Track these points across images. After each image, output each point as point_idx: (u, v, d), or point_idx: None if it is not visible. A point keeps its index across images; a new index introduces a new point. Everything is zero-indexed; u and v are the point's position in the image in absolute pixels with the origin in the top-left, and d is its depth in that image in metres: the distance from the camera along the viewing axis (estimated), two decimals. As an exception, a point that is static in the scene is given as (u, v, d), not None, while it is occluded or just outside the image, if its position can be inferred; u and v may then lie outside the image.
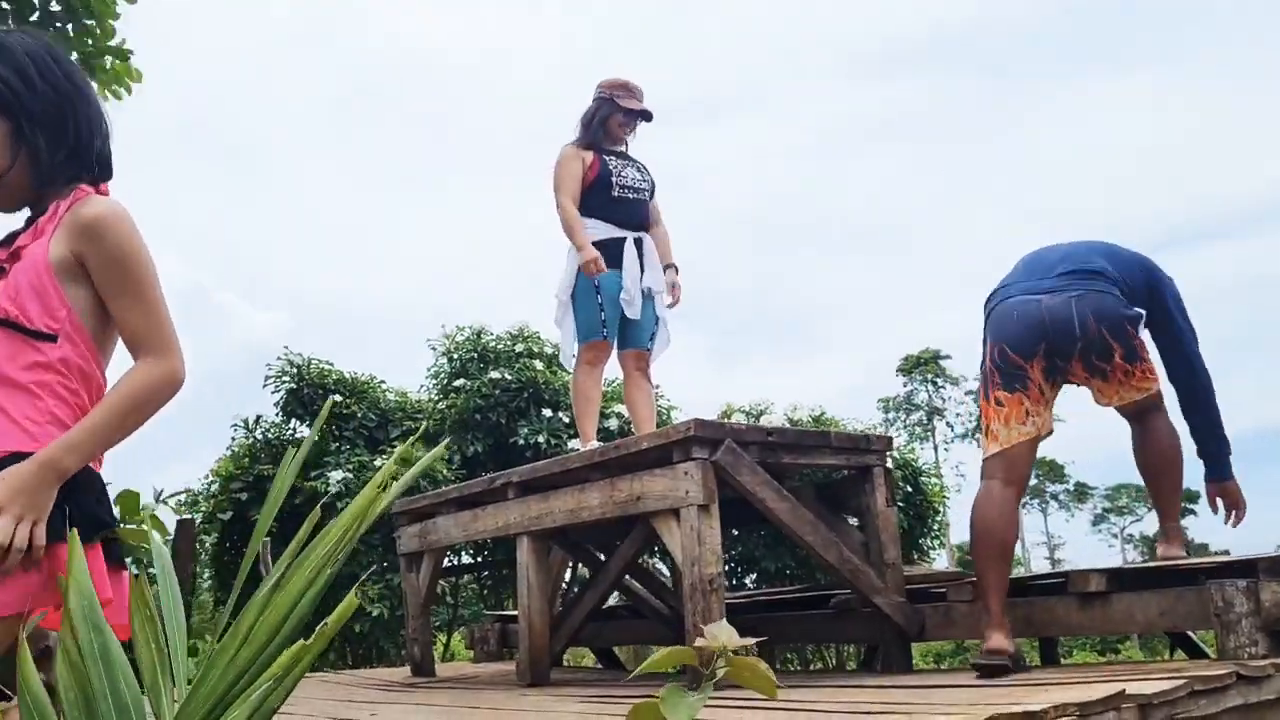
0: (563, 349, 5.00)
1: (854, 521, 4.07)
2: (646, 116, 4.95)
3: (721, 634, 0.94)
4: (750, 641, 0.95)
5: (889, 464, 4.00)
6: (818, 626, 4.41)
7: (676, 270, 5.02)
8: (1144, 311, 3.49)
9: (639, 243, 4.80)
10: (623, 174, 4.84)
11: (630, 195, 4.85)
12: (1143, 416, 3.57)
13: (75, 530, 1.42)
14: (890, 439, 4.07)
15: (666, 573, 7.63)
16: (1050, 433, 3.49)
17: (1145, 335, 3.53)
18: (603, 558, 4.87)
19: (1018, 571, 3.75)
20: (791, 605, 4.66)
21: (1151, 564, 3.41)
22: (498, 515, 4.44)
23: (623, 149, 5.00)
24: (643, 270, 4.79)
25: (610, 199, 4.78)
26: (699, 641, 0.95)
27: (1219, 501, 3.71)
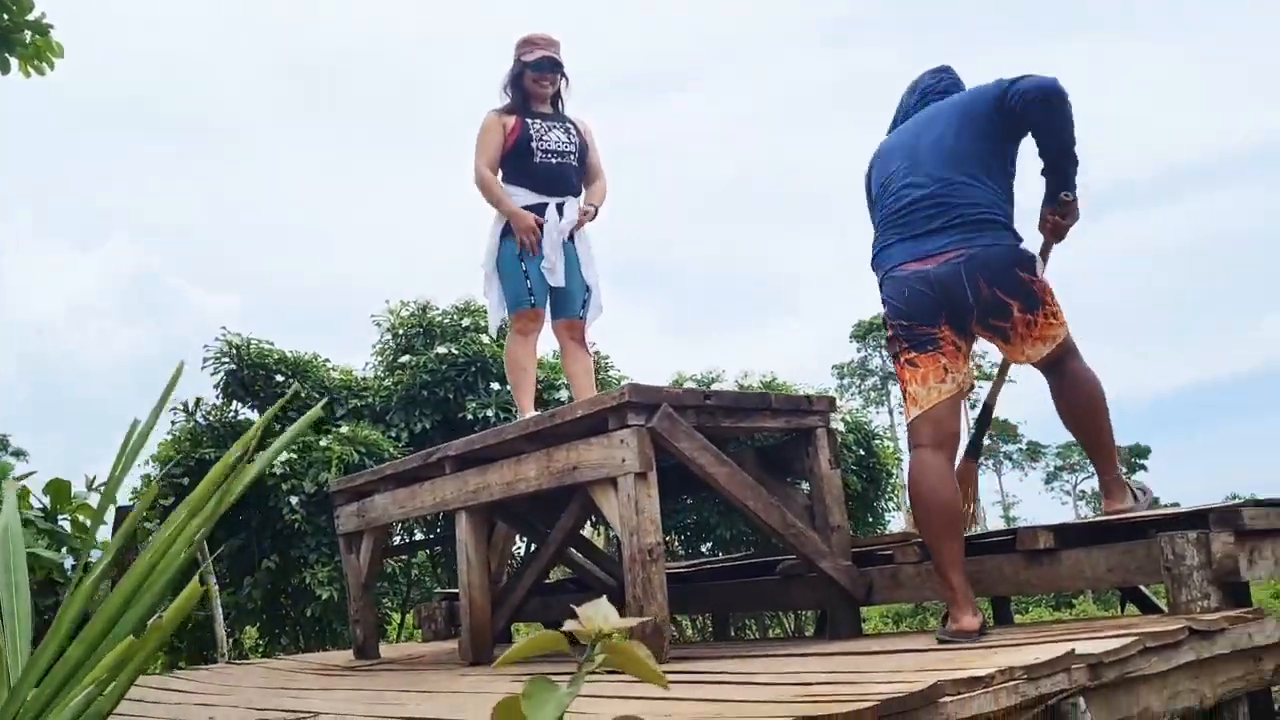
0: (490, 320, 4.82)
1: (805, 487, 3.97)
2: (549, 64, 4.66)
3: (597, 615, 0.80)
4: (633, 622, 0.81)
5: (833, 425, 3.89)
6: (766, 593, 4.31)
7: (595, 209, 4.74)
8: (1034, 255, 3.26)
9: (561, 208, 4.61)
10: (545, 137, 4.61)
11: (554, 160, 4.61)
12: (1057, 366, 3.36)
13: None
14: (833, 399, 3.96)
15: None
16: (972, 388, 3.38)
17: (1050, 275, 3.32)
18: (548, 530, 4.74)
19: (971, 531, 3.64)
20: (738, 573, 4.56)
21: (1100, 519, 3.32)
22: (435, 491, 4.29)
23: (549, 109, 4.78)
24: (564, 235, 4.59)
25: (531, 164, 4.55)
26: (568, 624, 0.81)
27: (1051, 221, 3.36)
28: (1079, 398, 3.37)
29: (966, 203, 3.19)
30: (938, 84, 3.55)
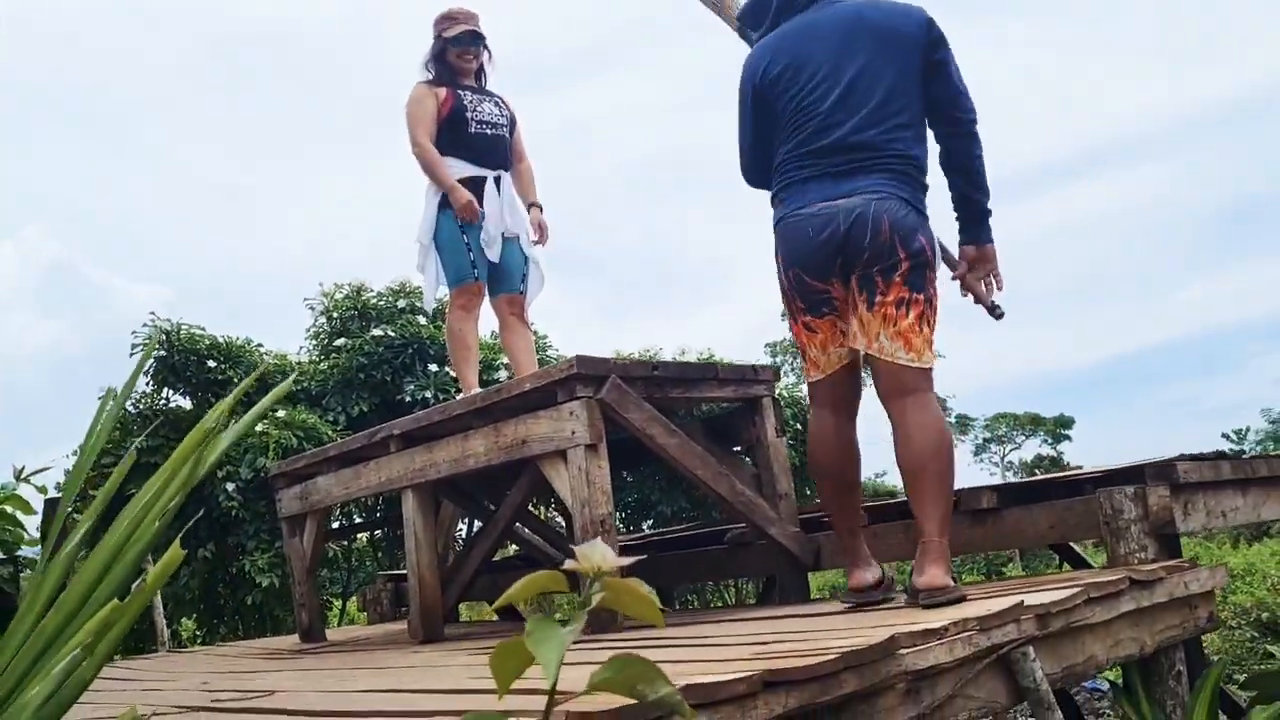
0: (426, 295, 4.77)
1: (748, 460, 4.01)
2: (471, 38, 4.62)
3: (595, 554, 0.81)
4: (629, 561, 0.83)
5: (776, 395, 3.93)
6: (714, 562, 4.36)
7: (540, 209, 4.77)
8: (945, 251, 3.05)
9: (498, 181, 4.58)
10: (479, 108, 4.58)
11: (488, 131, 4.59)
12: (897, 402, 2.90)
13: None
14: (777, 369, 4.01)
15: (563, 523, 7.54)
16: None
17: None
18: (494, 508, 4.74)
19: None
20: (687, 544, 4.60)
21: (1040, 478, 3.41)
22: (380, 470, 4.26)
23: (475, 84, 4.73)
24: (503, 210, 4.58)
25: (467, 135, 4.52)
26: (568, 564, 0.82)
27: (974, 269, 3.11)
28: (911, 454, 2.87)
29: (900, 155, 2.91)
30: None
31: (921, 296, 2.88)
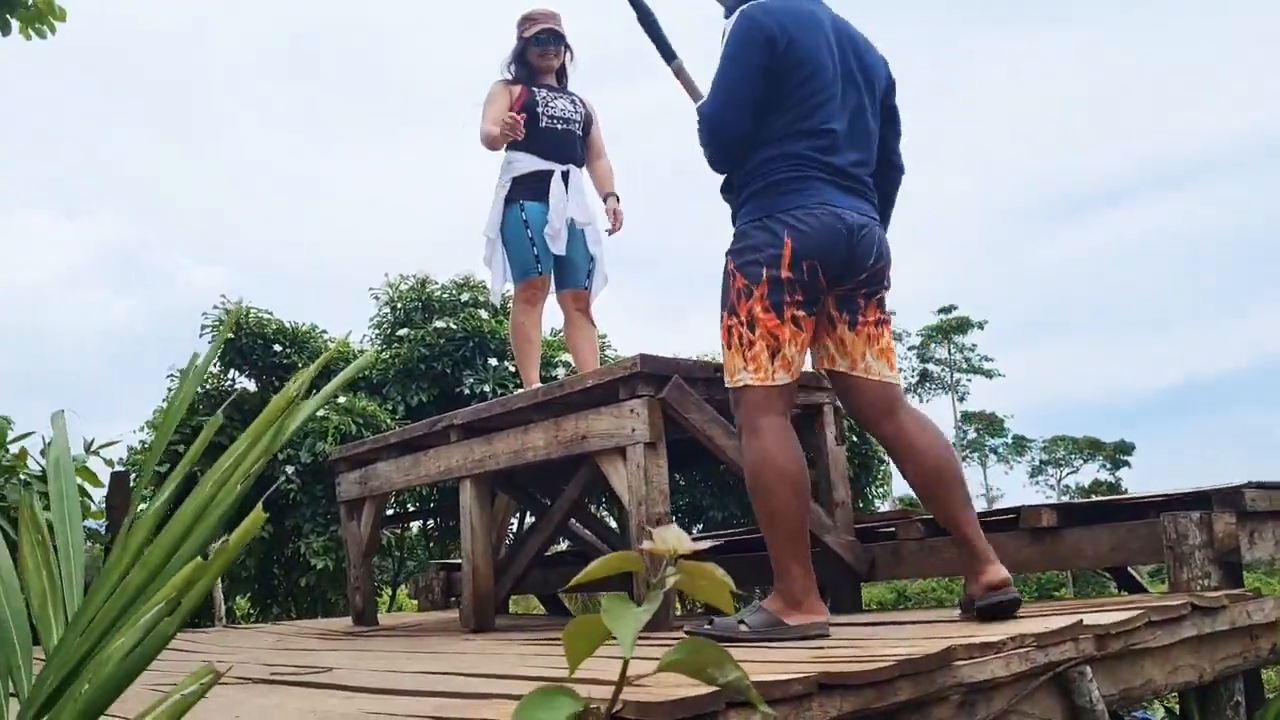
0: (492, 288, 4.82)
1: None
2: (551, 37, 4.67)
3: (670, 537, 0.83)
4: (705, 545, 0.84)
5: (838, 404, 3.92)
6: (766, 569, 4.33)
7: (617, 199, 4.79)
8: None
9: (566, 175, 4.60)
10: (551, 104, 4.62)
11: (559, 126, 4.63)
12: (892, 418, 2.90)
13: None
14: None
15: (614, 524, 7.56)
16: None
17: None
18: (549, 502, 4.77)
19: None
20: (739, 548, 4.59)
21: (1102, 499, 3.37)
22: (440, 459, 4.31)
23: (554, 83, 4.78)
24: (570, 203, 4.60)
25: (537, 130, 4.55)
26: (645, 545, 0.84)
27: None
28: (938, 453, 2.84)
29: (873, 188, 2.96)
30: None
31: (888, 317, 2.96)
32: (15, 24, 6.12)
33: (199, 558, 1.05)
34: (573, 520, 4.71)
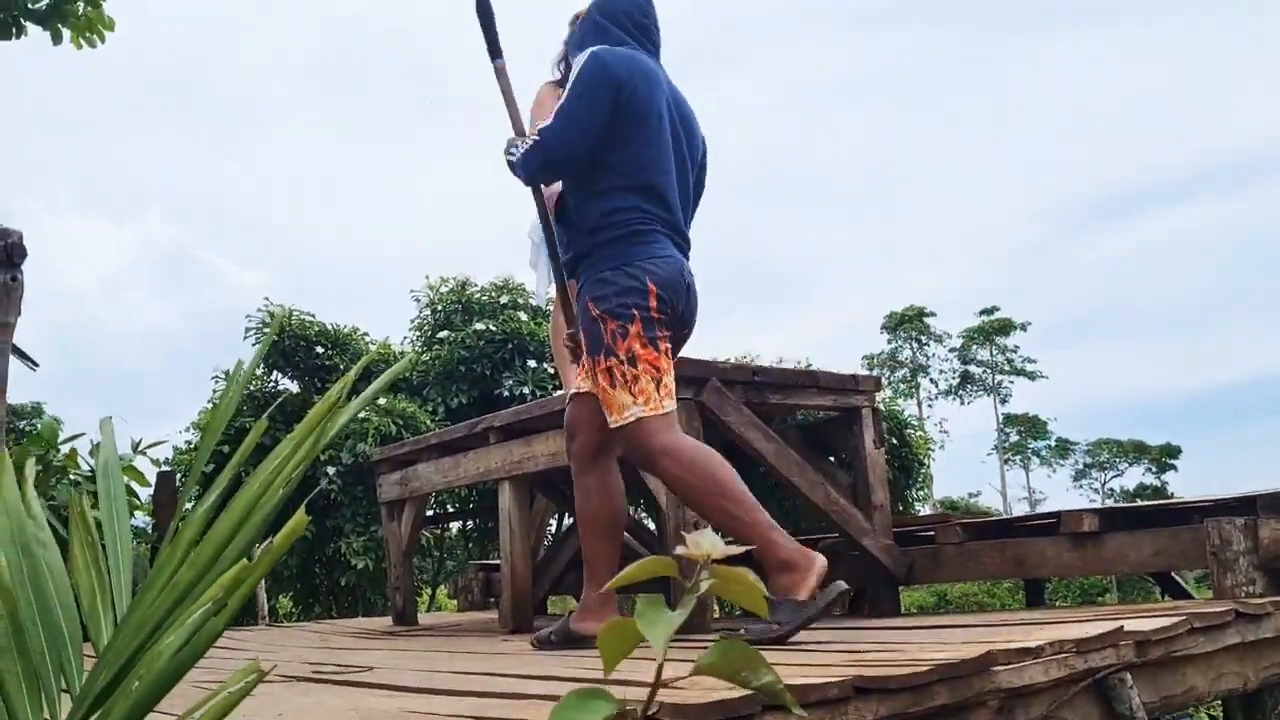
0: (537, 290, 4.85)
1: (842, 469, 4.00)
2: None
3: (705, 541, 0.84)
4: (738, 550, 0.85)
5: (877, 406, 3.91)
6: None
7: None
8: None
9: None
10: None
11: None
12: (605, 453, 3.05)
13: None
14: (879, 379, 3.99)
15: (652, 527, 7.57)
16: None
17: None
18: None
19: (996, 512, 3.66)
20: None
21: (1145, 504, 3.33)
22: (479, 460, 4.34)
23: None
24: None
25: None
26: (679, 550, 0.85)
27: None
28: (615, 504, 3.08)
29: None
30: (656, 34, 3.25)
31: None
32: (66, 34, 6.24)
33: (245, 559, 1.08)
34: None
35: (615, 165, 2.94)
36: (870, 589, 3.92)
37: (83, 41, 6.31)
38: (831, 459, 4.03)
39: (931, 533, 3.76)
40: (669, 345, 2.95)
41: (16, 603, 1.18)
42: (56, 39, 6.21)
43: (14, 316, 1.97)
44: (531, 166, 3.00)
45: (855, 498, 3.77)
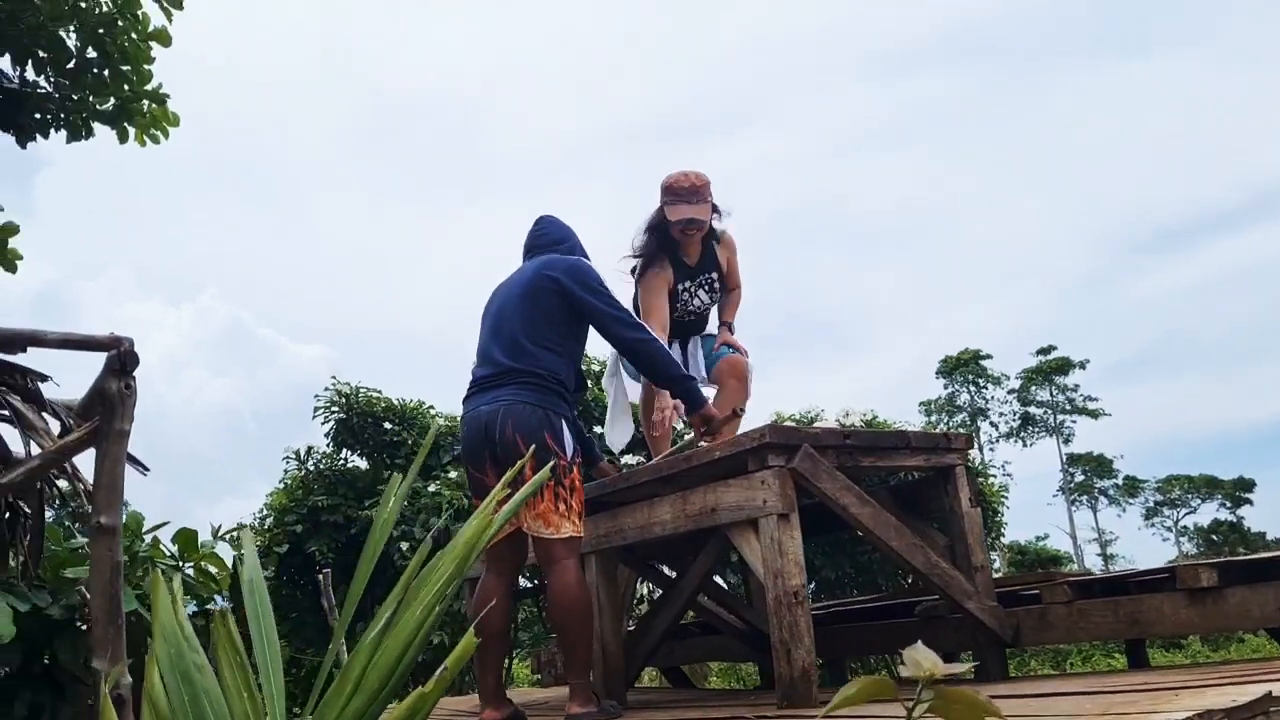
0: (610, 439, 4.86)
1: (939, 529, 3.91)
2: (694, 224, 4.45)
3: (925, 660, 0.80)
4: (963, 668, 0.81)
5: (969, 463, 3.83)
6: (903, 636, 4.23)
7: (730, 329, 4.77)
8: (562, 429, 3.56)
9: (685, 345, 4.79)
10: (691, 301, 4.66)
11: (690, 318, 4.72)
12: (545, 568, 3.57)
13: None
14: (971, 437, 3.91)
15: (724, 584, 7.47)
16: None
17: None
18: (669, 572, 4.73)
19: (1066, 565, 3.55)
20: (872, 615, 4.50)
21: (1266, 555, 3.21)
22: (564, 535, 4.30)
23: (698, 258, 4.63)
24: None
25: (670, 318, 4.57)
26: (904, 671, 0.81)
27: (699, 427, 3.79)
28: (552, 611, 3.58)
29: (517, 364, 3.60)
30: (535, 240, 3.97)
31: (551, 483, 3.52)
32: (132, 131, 6.40)
33: (421, 690, 1.05)
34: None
35: (575, 341, 3.74)
36: (977, 652, 3.80)
37: (146, 139, 6.47)
38: (927, 520, 3.95)
39: (1036, 592, 3.65)
40: (478, 476, 3.63)
41: (179, 733, 1.16)
42: (123, 138, 6.36)
43: (129, 424, 1.98)
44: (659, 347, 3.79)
45: (954, 559, 3.68)
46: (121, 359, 1.93)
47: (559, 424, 3.53)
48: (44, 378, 2.01)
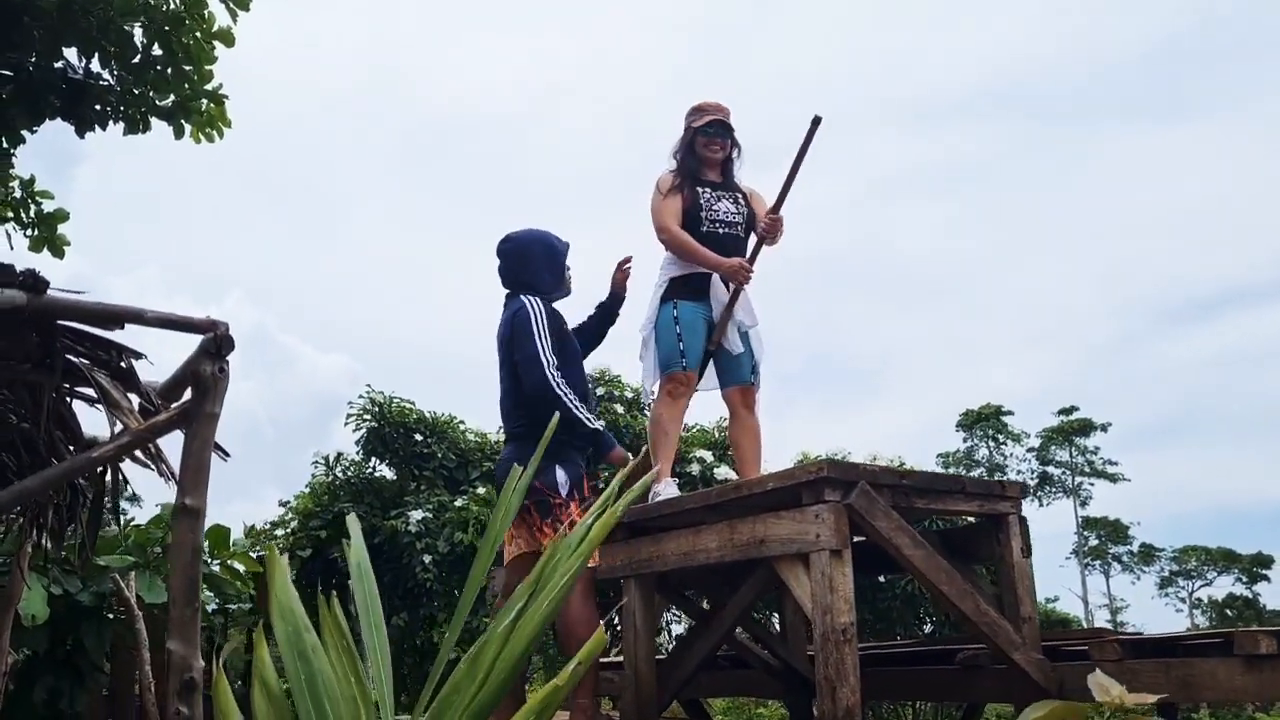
0: (644, 385, 4.85)
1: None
2: (719, 128, 4.69)
3: (1114, 689, 0.77)
4: (1152, 700, 0.78)
5: (1023, 514, 3.79)
6: (946, 683, 4.17)
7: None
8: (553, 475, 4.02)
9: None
10: (714, 207, 4.62)
11: (721, 229, 4.61)
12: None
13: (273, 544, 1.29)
14: (1026, 486, 3.87)
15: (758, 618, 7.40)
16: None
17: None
18: (698, 601, 4.70)
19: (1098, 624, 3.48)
20: (911, 659, 4.44)
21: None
22: (604, 557, 4.27)
23: (719, 177, 4.76)
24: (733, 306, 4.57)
25: (698, 234, 4.55)
26: (1097, 696, 0.79)
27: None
28: (559, 633, 3.87)
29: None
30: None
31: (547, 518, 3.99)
32: (188, 128, 6.46)
33: (555, 683, 1.04)
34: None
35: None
36: (1022, 705, 3.74)
37: (201, 137, 6.53)
38: (975, 567, 3.90)
39: (1084, 648, 3.59)
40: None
41: (295, 715, 1.14)
42: (179, 134, 6.41)
43: (219, 407, 1.98)
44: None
45: (1001, 608, 3.64)
46: (218, 342, 1.93)
47: (549, 467, 4.03)
48: (139, 355, 2.02)
